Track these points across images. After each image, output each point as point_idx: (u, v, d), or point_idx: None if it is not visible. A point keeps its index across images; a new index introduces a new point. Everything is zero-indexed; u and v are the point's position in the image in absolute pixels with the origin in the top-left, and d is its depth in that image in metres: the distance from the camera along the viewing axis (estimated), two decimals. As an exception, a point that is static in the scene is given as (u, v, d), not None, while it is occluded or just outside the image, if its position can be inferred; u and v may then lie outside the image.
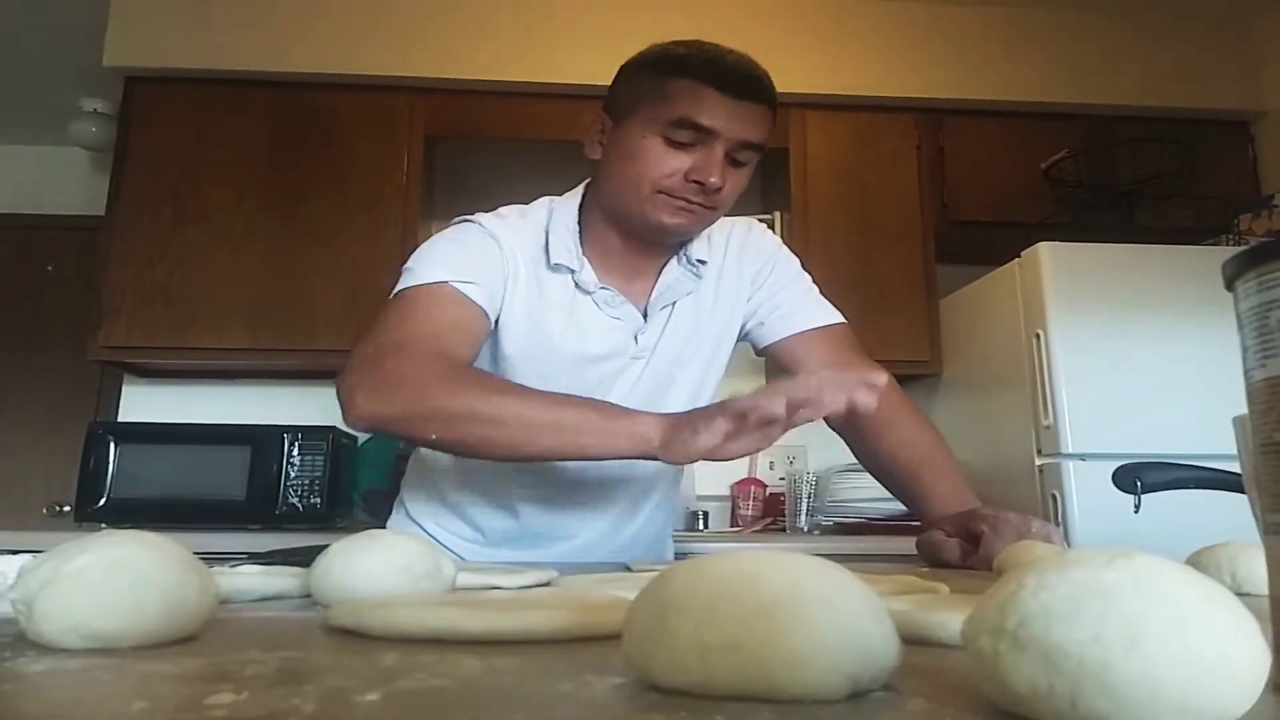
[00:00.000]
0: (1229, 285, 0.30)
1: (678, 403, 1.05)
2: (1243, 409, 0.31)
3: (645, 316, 1.04)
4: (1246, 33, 2.71)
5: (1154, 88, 2.63)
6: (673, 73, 0.94)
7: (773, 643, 0.24)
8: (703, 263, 1.06)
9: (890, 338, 2.32)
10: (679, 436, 0.81)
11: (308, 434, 2.09)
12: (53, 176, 3.14)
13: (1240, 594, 0.54)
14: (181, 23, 2.42)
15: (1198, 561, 0.56)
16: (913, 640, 0.34)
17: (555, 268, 1.01)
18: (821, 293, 1.16)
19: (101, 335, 2.24)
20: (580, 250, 1.02)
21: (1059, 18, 2.65)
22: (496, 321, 0.99)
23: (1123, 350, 1.97)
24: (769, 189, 2.62)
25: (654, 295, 1.05)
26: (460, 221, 1.02)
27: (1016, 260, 2.14)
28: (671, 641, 0.26)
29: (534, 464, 0.97)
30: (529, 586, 0.57)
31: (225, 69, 2.41)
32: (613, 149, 0.99)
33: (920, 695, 0.27)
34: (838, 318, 1.13)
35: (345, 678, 0.29)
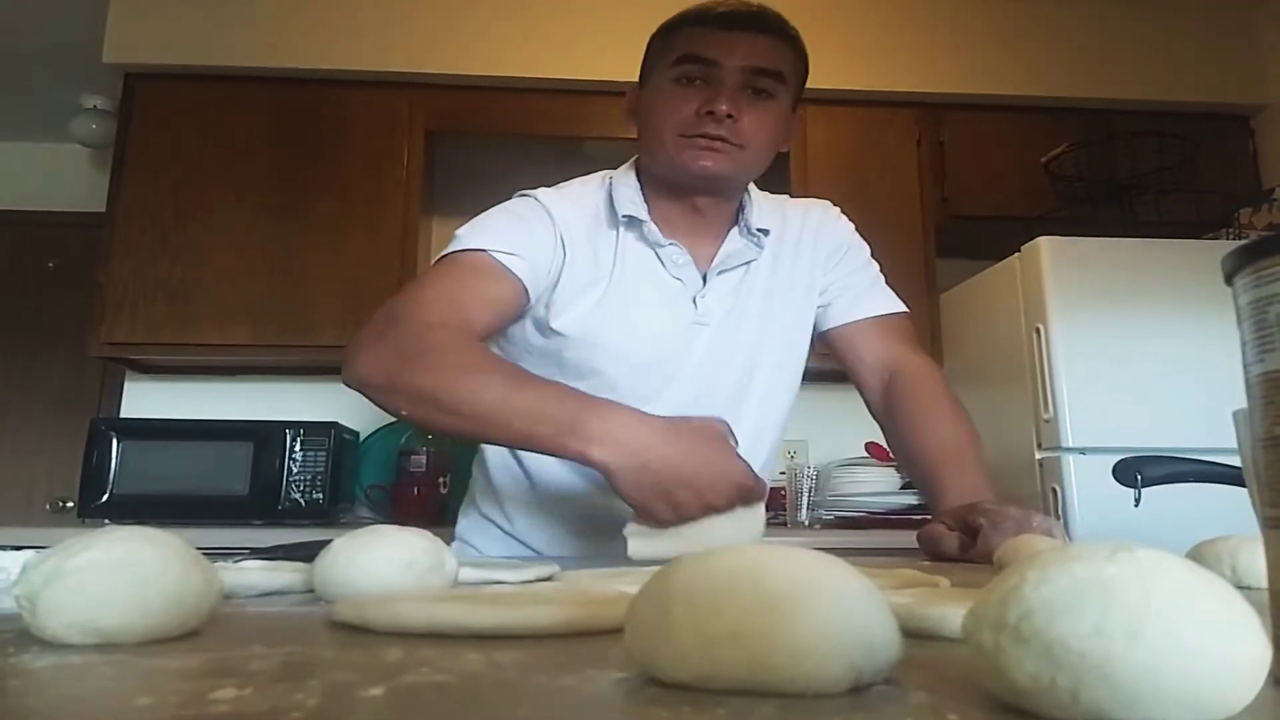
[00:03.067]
0: (1228, 280, 0.30)
1: (753, 381, 1.04)
2: (1243, 403, 0.31)
3: (704, 282, 1.03)
4: (1246, 26, 2.70)
5: (1154, 81, 2.62)
6: (678, 26, 0.99)
7: (775, 636, 0.25)
8: (764, 232, 1.05)
9: (891, 332, 2.32)
10: (645, 487, 0.78)
11: (310, 430, 2.10)
12: (53, 173, 3.14)
13: (1241, 587, 0.54)
14: (181, 19, 2.41)
15: (1199, 555, 0.56)
16: (914, 634, 0.34)
17: (624, 221, 1.00)
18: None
19: (103, 331, 2.24)
20: (647, 207, 1.02)
21: (1058, 12, 2.64)
22: (549, 298, 0.98)
23: (1123, 344, 1.97)
24: (769, 184, 2.61)
25: (714, 262, 1.03)
26: (519, 195, 1.03)
27: (1017, 254, 2.14)
28: (674, 635, 0.26)
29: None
30: (531, 581, 0.58)
31: (225, 65, 2.40)
32: (642, 114, 1.01)
33: (922, 689, 0.27)
34: (900, 307, 1.13)
35: (349, 672, 0.29)
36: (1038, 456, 2.01)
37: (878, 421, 1.11)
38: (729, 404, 1.01)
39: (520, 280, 0.94)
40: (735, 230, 1.05)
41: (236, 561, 0.56)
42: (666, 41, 0.99)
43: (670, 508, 0.77)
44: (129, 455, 2.07)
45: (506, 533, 1.06)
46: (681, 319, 1.01)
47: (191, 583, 0.36)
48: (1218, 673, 0.21)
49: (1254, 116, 2.67)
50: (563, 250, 0.98)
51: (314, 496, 2.07)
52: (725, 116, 0.93)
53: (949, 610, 0.35)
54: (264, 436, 2.10)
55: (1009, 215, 2.43)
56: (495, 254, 0.93)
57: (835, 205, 1.18)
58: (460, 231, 0.97)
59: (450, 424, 0.84)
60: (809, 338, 1.11)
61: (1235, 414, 0.51)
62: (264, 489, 2.07)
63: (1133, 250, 2.05)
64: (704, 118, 0.94)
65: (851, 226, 1.17)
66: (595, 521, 1.00)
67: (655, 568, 0.31)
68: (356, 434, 2.34)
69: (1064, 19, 2.64)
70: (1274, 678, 0.23)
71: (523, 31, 2.46)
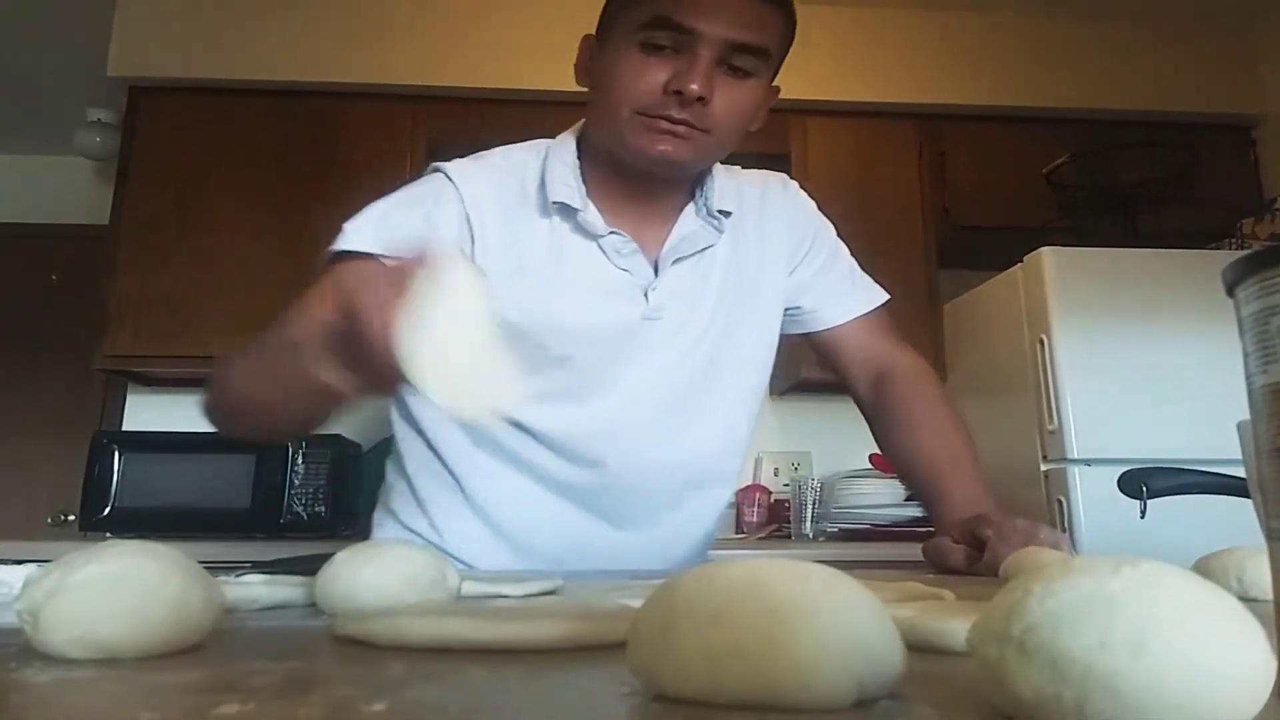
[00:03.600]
0: (1229, 291, 0.30)
1: (718, 381, 0.93)
2: (1248, 413, 0.31)
3: (656, 271, 0.91)
4: (1246, 36, 2.71)
5: (1153, 92, 2.63)
6: None
7: (779, 649, 0.24)
8: (725, 214, 0.92)
9: (893, 343, 2.32)
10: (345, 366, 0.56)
11: (312, 442, 2.10)
12: (57, 186, 3.15)
13: (1247, 599, 0.53)
14: (185, 33, 2.43)
15: (1205, 567, 0.56)
16: (919, 647, 0.34)
17: (554, 208, 0.87)
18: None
19: (106, 344, 2.25)
20: (585, 190, 0.88)
21: (1056, 24, 2.66)
22: None
23: (1127, 354, 1.96)
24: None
25: (665, 248, 0.91)
26: (431, 169, 0.91)
27: (1019, 265, 2.14)
28: (678, 648, 0.26)
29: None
30: (534, 595, 0.57)
31: (229, 78, 2.42)
32: (596, 75, 0.87)
33: (927, 703, 0.27)
34: (880, 296, 1.06)
35: (351, 687, 0.29)
36: (1043, 468, 2.00)
37: (868, 420, 1.06)
38: (689, 408, 0.92)
39: None
40: (691, 210, 0.93)
41: (238, 575, 0.56)
42: None
43: (356, 335, 0.52)
44: (131, 468, 2.07)
45: (436, 546, 0.90)
46: (631, 314, 0.89)
47: (194, 597, 0.36)
48: (1223, 686, 0.21)
49: (1254, 126, 2.68)
50: (469, 236, 0.85)
51: (316, 510, 2.07)
52: (695, 99, 0.79)
53: (954, 624, 0.35)
54: (266, 449, 2.10)
55: (1010, 226, 2.43)
56: (383, 258, 0.79)
57: (791, 179, 1.06)
58: (348, 226, 0.85)
59: (242, 423, 0.80)
60: (777, 332, 1.01)
61: (1239, 425, 0.51)
62: (266, 502, 2.07)
63: (1136, 260, 2.05)
64: (669, 96, 0.80)
65: (814, 205, 1.06)
66: (541, 533, 0.91)
67: (659, 581, 0.31)
68: (359, 446, 2.34)
69: (1062, 31, 2.65)
70: (1279, 690, 0.23)
71: (524, 44, 2.47)
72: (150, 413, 2.52)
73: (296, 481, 2.08)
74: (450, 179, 0.88)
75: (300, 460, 2.09)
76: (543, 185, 0.88)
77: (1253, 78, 2.68)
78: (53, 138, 3.02)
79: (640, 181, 0.89)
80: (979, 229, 2.50)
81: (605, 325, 0.88)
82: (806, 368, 2.25)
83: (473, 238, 0.86)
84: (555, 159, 0.90)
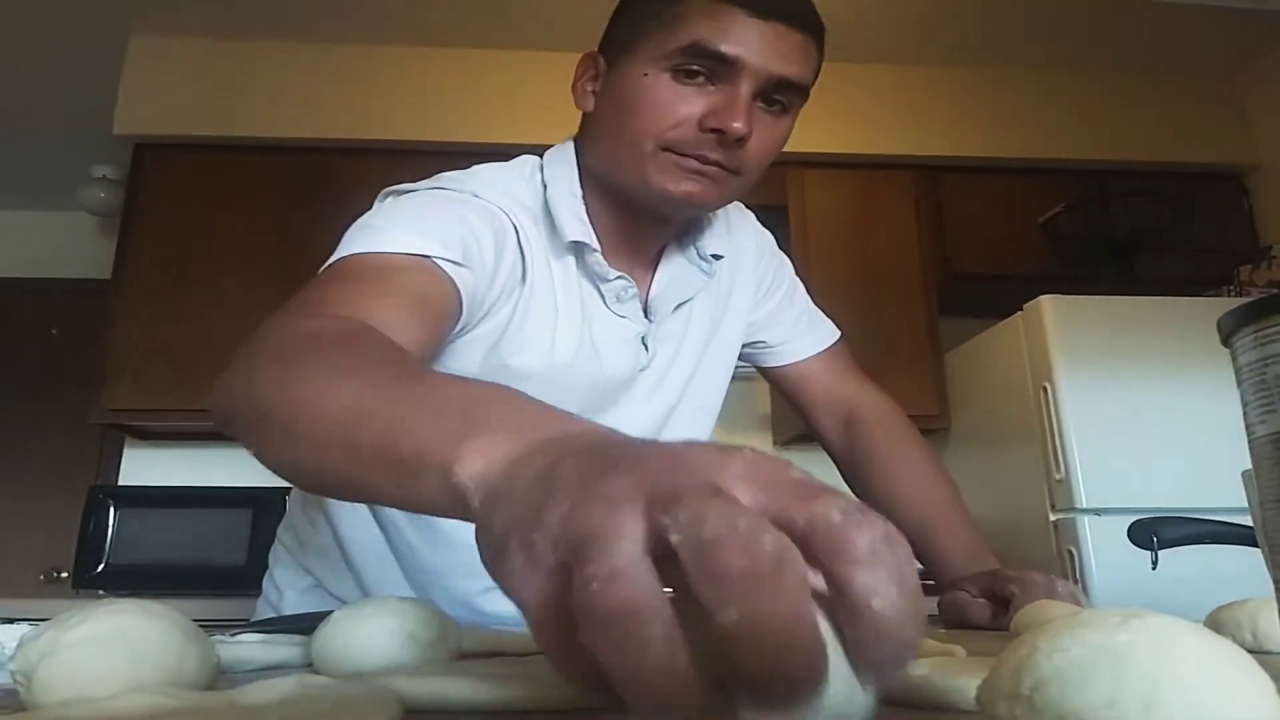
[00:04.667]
0: (1226, 341, 0.30)
1: (668, 423, 0.88)
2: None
3: (647, 316, 0.84)
4: (1235, 87, 2.77)
5: (1147, 142, 2.68)
6: None
7: None
8: (717, 258, 0.86)
9: (897, 392, 2.27)
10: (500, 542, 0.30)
11: (310, 496, 2.08)
12: (60, 241, 3.19)
13: (1262, 652, 0.52)
14: (190, 91, 2.48)
15: (1218, 619, 0.55)
16: (929, 705, 0.33)
17: (570, 247, 0.78)
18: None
19: (104, 398, 2.24)
20: (591, 224, 0.79)
21: (1049, 76, 2.71)
22: (506, 331, 0.75)
23: (1131, 402, 1.96)
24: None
25: (654, 291, 0.84)
26: (431, 188, 0.75)
27: (1020, 313, 2.15)
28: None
29: None
30: (537, 653, 0.56)
31: (232, 135, 2.46)
32: (607, 98, 0.77)
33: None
34: (834, 332, 1.03)
35: (348, 751, 0.28)
36: (1051, 518, 1.98)
37: (838, 465, 1.01)
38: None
39: (464, 298, 0.67)
40: (676, 250, 0.86)
41: (233, 634, 0.55)
42: (673, 10, 0.73)
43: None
44: (126, 524, 2.06)
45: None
46: (633, 364, 0.83)
47: (189, 658, 0.35)
48: (1236, 744, 0.21)
49: (1247, 175, 2.72)
50: (521, 274, 0.75)
51: (314, 564, 2.05)
52: (735, 140, 0.71)
53: (964, 681, 0.35)
54: (264, 503, 2.08)
55: (1009, 274, 2.46)
56: (440, 261, 0.65)
57: (764, 227, 1.01)
58: (371, 221, 0.68)
59: (290, 458, 0.46)
60: (728, 380, 0.96)
61: (1244, 475, 0.51)
62: (263, 558, 2.01)
63: (1135, 308, 2.06)
64: (706, 134, 0.71)
65: (770, 236, 1.01)
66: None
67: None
68: (358, 499, 2.32)
69: (1055, 83, 2.71)
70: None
71: (520, 99, 2.52)
72: (147, 467, 2.51)
73: (295, 536, 2.06)
74: (514, 222, 0.75)
75: (299, 514, 2.07)
76: (549, 215, 0.79)
77: (1243, 128, 2.73)
78: (57, 193, 3.07)
79: (642, 219, 0.81)
80: (978, 278, 2.52)
81: (608, 375, 0.81)
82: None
83: (524, 277, 0.75)
84: (557, 186, 0.80)
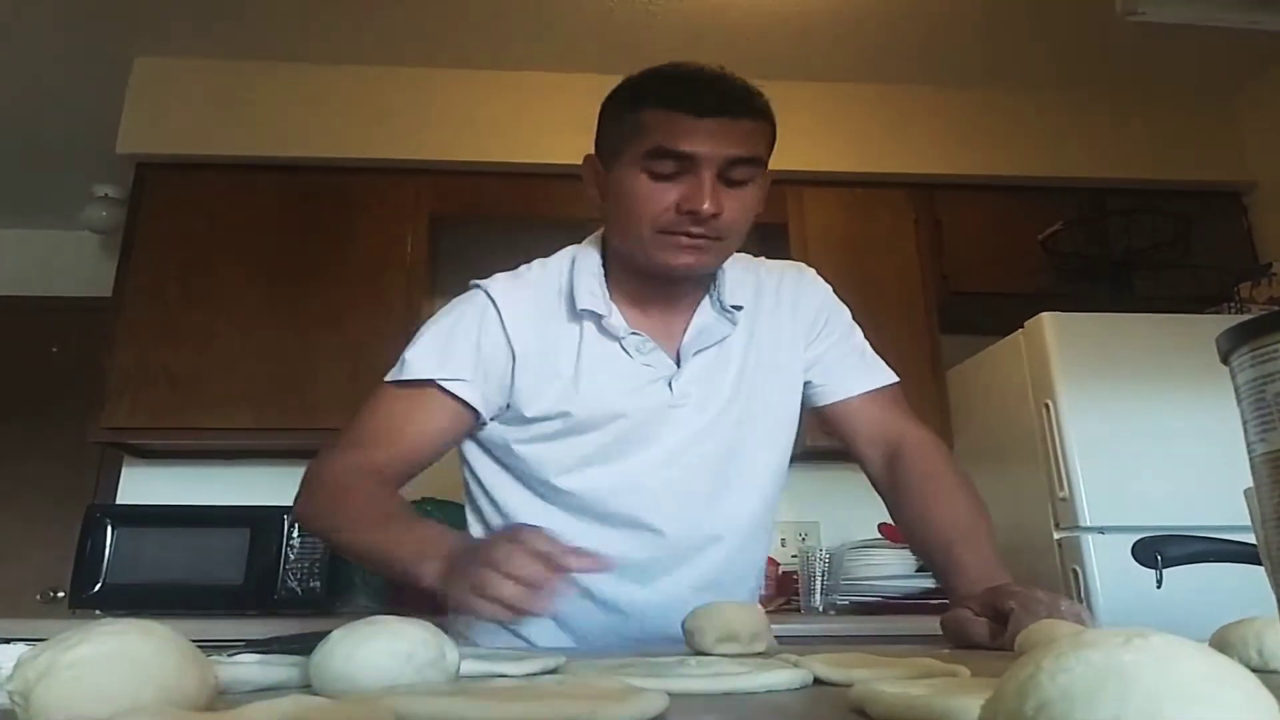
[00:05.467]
0: (1224, 359, 0.30)
1: (735, 466, 1.00)
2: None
3: (679, 363, 0.99)
4: (1233, 106, 2.79)
5: (1145, 161, 2.69)
6: (642, 104, 0.91)
7: None
8: (737, 308, 1.01)
9: (895, 410, 2.32)
10: (456, 581, 0.73)
11: (309, 515, 2.07)
12: (62, 259, 3.20)
13: (1268, 671, 0.52)
14: (193, 111, 2.50)
15: (1223, 638, 0.54)
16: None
17: (582, 314, 0.97)
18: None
19: (104, 416, 2.24)
20: (608, 295, 0.98)
21: (1047, 95, 2.73)
22: (512, 397, 0.96)
23: (1133, 419, 1.96)
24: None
25: (685, 340, 0.99)
26: (472, 288, 1.00)
27: (1021, 330, 2.15)
28: None
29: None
30: (536, 674, 0.56)
31: (234, 155, 2.48)
32: (609, 197, 0.95)
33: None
34: (890, 378, 1.09)
35: (346, 773, 0.28)
36: (1056, 536, 1.98)
37: (882, 495, 1.07)
38: (709, 490, 0.98)
39: (467, 402, 0.95)
40: (706, 304, 1.01)
41: (230, 655, 0.55)
42: (633, 120, 0.91)
43: (471, 587, 0.69)
44: (123, 543, 2.04)
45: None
46: (659, 402, 0.97)
47: (187, 679, 0.35)
48: (1242, 764, 0.21)
49: (1245, 193, 2.73)
50: (510, 353, 0.96)
51: (311, 585, 2.04)
52: (709, 217, 0.88)
53: (968, 701, 0.34)
54: (261, 522, 2.08)
55: (1009, 292, 2.46)
56: (443, 382, 0.93)
57: (810, 268, 1.13)
58: (407, 355, 0.96)
59: (356, 560, 0.98)
60: (797, 416, 1.07)
61: (1246, 493, 0.51)
62: (260, 577, 2.03)
63: (1136, 325, 2.06)
64: (684, 215, 0.89)
65: (829, 289, 1.13)
66: (598, 610, 0.96)
67: (662, 658, 0.30)
68: (357, 518, 2.31)
69: (1053, 102, 2.73)
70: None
71: (523, 119, 2.54)
72: (146, 486, 2.51)
73: (291, 556, 2.05)
74: (492, 299, 0.97)
75: (296, 533, 2.06)
76: (571, 293, 0.98)
77: (1241, 145, 2.75)
78: (59, 212, 3.09)
79: (661, 285, 0.98)
80: (978, 295, 2.52)
81: (632, 412, 0.96)
82: (812, 436, 2.24)
83: (513, 353, 0.96)
84: (581, 268, 0.99)
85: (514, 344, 0.96)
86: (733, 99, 0.90)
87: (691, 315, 1.00)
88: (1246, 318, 0.30)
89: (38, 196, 3.09)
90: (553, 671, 0.58)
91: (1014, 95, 2.73)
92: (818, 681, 0.52)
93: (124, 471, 2.55)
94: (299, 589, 2.03)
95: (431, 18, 2.42)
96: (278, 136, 2.50)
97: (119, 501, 2.48)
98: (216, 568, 2.04)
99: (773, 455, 1.04)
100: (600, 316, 0.97)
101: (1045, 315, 2.06)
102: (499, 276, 1.01)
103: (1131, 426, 1.95)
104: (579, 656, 0.65)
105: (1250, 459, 0.29)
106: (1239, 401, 0.30)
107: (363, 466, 0.92)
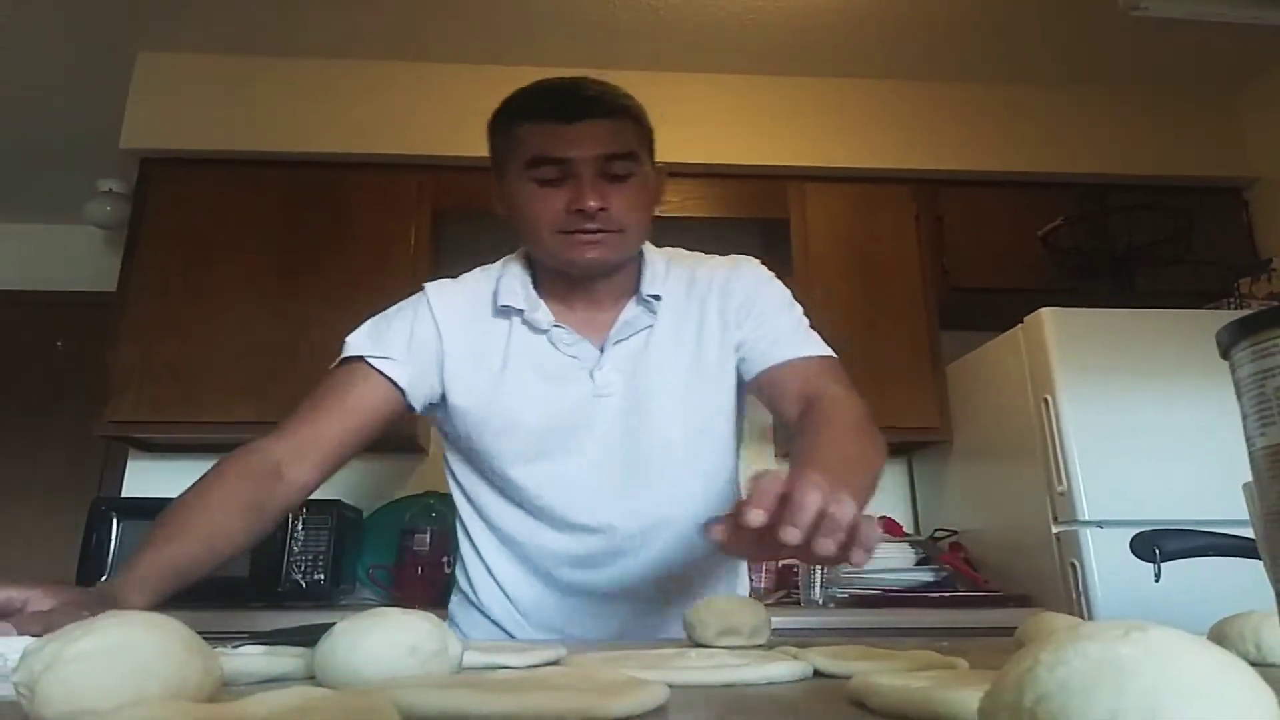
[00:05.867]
0: (1224, 354, 0.31)
1: (677, 449, 1.02)
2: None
3: (601, 354, 1.03)
4: (1233, 102, 2.78)
5: (1145, 156, 2.68)
6: (514, 119, 0.99)
7: None
8: (656, 298, 1.04)
9: (899, 406, 2.32)
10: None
11: (312, 508, 2.07)
12: (66, 254, 3.20)
13: (1265, 664, 0.52)
14: (197, 106, 2.49)
15: (1221, 632, 0.55)
16: (932, 718, 0.33)
17: (502, 310, 1.03)
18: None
19: (109, 410, 2.25)
20: (535, 293, 1.04)
21: (1047, 90, 2.72)
22: (443, 383, 1.02)
23: (1132, 414, 1.96)
24: (771, 258, 2.65)
25: (611, 331, 1.03)
26: (425, 287, 1.08)
27: (1020, 326, 2.15)
28: None
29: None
30: (537, 665, 0.56)
31: (238, 149, 2.47)
32: (509, 206, 1.02)
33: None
34: (824, 350, 1.05)
35: (350, 763, 0.28)
36: (1054, 530, 1.98)
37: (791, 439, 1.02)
38: (649, 474, 1.00)
39: (392, 380, 1.00)
40: (631, 298, 1.05)
41: (235, 646, 0.55)
42: (509, 136, 0.99)
43: None
44: (129, 536, 2.05)
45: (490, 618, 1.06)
46: (581, 394, 1.01)
47: (192, 670, 0.35)
48: (1238, 756, 0.21)
49: (1246, 189, 2.72)
50: (439, 341, 1.02)
51: (315, 578, 2.04)
52: (596, 211, 0.94)
53: (966, 694, 0.35)
54: (266, 515, 2.08)
55: (1009, 288, 2.46)
56: (370, 359, 1.00)
57: (753, 259, 1.14)
58: (348, 338, 1.04)
59: None
60: (733, 398, 1.07)
61: (1245, 487, 0.51)
62: (264, 570, 2.04)
63: (1136, 320, 2.06)
64: (575, 214, 0.95)
65: (766, 273, 1.12)
66: (591, 603, 1.02)
67: (663, 650, 0.30)
68: (359, 512, 2.32)
69: (1055, 97, 2.72)
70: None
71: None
72: (151, 479, 2.51)
73: (296, 548, 2.05)
74: (427, 295, 1.06)
75: (300, 526, 2.06)
76: (497, 293, 1.04)
77: (1242, 141, 2.74)
78: (63, 207, 3.08)
79: (581, 282, 1.03)
80: (978, 290, 2.52)
81: (553, 403, 1.00)
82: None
83: (440, 337, 1.03)
84: (508, 271, 1.06)
85: (444, 335, 1.02)
86: (596, 103, 0.96)
87: (620, 311, 1.04)
88: (1247, 312, 0.30)
89: (42, 192, 3.10)
90: (554, 663, 0.58)
91: (1016, 91, 2.73)
92: (818, 674, 0.52)
93: (129, 465, 2.55)
94: (303, 581, 2.03)
95: (435, 13, 2.42)
96: (281, 131, 2.50)
97: (124, 495, 2.49)
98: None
99: (706, 438, 1.05)
100: (522, 312, 1.02)
101: (1044, 310, 2.06)
102: (442, 279, 1.08)
103: (1131, 421, 1.95)
104: (580, 648, 0.66)
105: (1250, 453, 0.29)
106: (1239, 396, 0.30)
107: (251, 453, 1.01)
